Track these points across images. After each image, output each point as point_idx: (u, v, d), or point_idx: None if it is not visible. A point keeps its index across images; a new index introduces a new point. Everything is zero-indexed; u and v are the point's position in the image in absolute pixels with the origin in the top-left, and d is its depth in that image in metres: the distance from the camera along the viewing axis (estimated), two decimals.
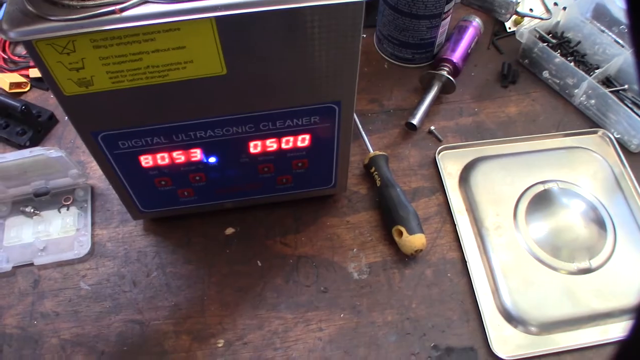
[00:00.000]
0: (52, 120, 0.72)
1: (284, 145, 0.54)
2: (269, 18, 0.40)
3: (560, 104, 0.74)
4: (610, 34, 0.77)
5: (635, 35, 0.22)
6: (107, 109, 0.46)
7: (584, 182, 0.67)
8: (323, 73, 0.47)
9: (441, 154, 0.69)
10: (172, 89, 0.45)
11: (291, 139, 0.53)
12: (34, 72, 0.75)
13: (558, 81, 0.74)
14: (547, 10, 0.78)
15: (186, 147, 0.52)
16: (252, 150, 0.54)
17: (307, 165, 0.57)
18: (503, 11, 0.70)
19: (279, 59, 0.44)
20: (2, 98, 0.68)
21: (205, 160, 0.54)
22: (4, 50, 0.78)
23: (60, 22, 0.38)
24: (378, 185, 0.64)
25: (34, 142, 0.70)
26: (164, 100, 0.46)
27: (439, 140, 0.70)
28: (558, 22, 0.78)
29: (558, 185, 0.66)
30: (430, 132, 0.71)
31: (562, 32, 0.78)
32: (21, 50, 0.80)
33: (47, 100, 0.74)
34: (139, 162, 0.53)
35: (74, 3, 0.39)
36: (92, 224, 0.64)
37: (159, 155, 0.52)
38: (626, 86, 0.73)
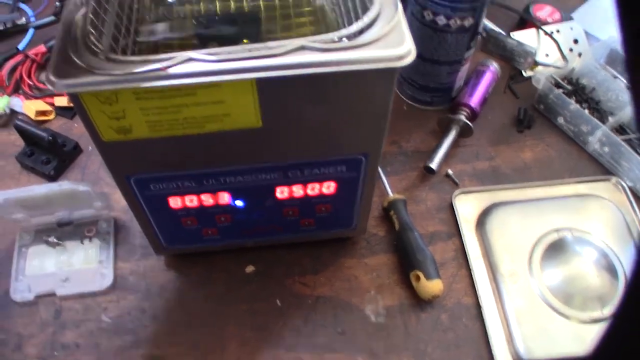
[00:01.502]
0: (77, 149, 0.73)
1: (309, 192, 0.55)
2: (307, 80, 0.42)
3: (574, 150, 0.76)
4: (623, 80, 0.79)
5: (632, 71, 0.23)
6: (143, 154, 0.48)
7: (596, 229, 0.68)
8: (354, 128, 0.48)
9: (457, 197, 0.70)
10: (207, 139, 0.46)
11: (317, 185, 0.55)
12: (60, 101, 0.77)
13: (572, 128, 0.76)
14: (563, 56, 0.79)
15: (215, 191, 0.53)
16: (278, 195, 0.55)
17: (331, 209, 0.58)
18: (522, 60, 0.72)
19: (312, 115, 0.46)
20: (30, 127, 0.69)
21: (232, 204, 0.55)
22: (29, 77, 0.80)
23: (107, 76, 0.39)
24: (397, 229, 0.65)
25: (58, 171, 0.71)
26: (198, 148, 0.48)
27: (456, 184, 0.71)
28: (573, 69, 0.80)
29: (572, 234, 0.67)
30: (447, 175, 0.72)
31: (577, 79, 0.79)
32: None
33: (71, 129, 0.76)
34: (167, 203, 0.54)
35: (120, 57, 0.40)
36: (115, 256, 0.65)
37: (187, 198, 0.54)
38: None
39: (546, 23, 0.83)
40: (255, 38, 0.53)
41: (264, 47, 0.40)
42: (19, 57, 0.80)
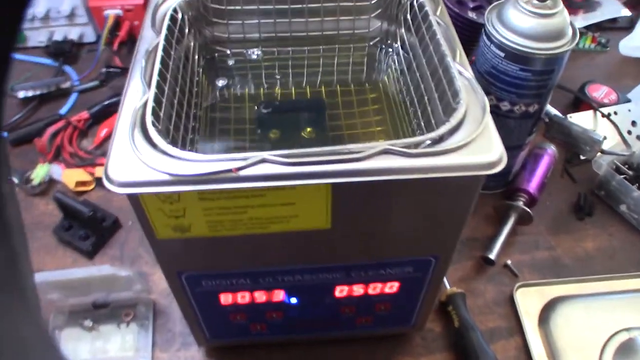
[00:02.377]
0: (116, 224, 0.70)
1: (370, 291, 0.51)
2: (388, 185, 0.38)
3: (637, 241, 0.71)
4: None
5: None
6: (198, 252, 0.44)
7: None
8: (428, 231, 0.44)
9: (519, 291, 0.66)
10: (270, 239, 0.43)
11: (379, 285, 0.51)
12: (100, 171, 0.74)
13: (636, 216, 0.72)
14: (625, 141, 0.76)
15: (269, 289, 0.49)
16: (337, 294, 0.51)
17: (391, 308, 0.54)
18: (588, 148, 0.68)
19: (387, 218, 0.42)
20: (70, 201, 0.67)
21: (286, 301, 0.51)
22: (70, 144, 0.78)
23: (171, 176, 0.36)
24: (456, 325, 0.60)
25: (96, 247, 0.68)
26: (258, 248, 0.44)
27: (515, 276, 0.67)
28: (634, 152, 0.76)
29: None
30: (505, 266, 0.68)
31: (639, 164, 0.76)
32: (87, 144, 0.79)
33: (110, 202, 0.73)
34: (218, 299, 0.50)
35: (186, 155, 0.37)
36: (153, 344, 0.61)
37: (240, 294, 0.50)
38: None
39: (603, 104, 0.80)
40: (321, 126, 0.51)
41: (344, 150, 0.37)
42: (60, 123, 0.78)
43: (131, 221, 0.71)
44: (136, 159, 0.37)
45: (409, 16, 0.50)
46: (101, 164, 0.75)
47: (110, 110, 0.81)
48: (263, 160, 0.36)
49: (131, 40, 0.90)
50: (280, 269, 0.47)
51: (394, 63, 0.54)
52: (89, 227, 0.68)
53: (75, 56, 0.90)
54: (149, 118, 0.38)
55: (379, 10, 0.52)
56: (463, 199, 0.41)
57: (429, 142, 0.39)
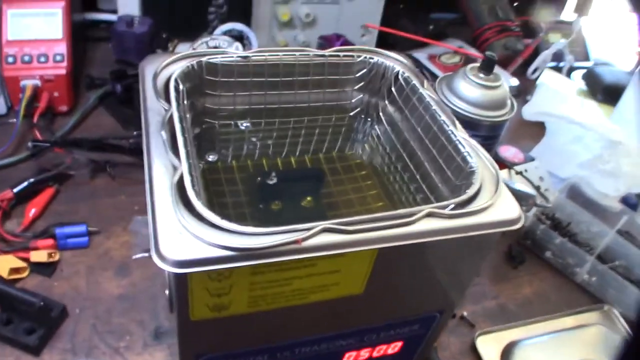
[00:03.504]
0: (63, 314, 0.63)
1: (375, 355, 0.52)
2: (423, 246, 0.40)
3: (565, 283, 0.80)
4: (588, 213, 0.86)
5: None
6: (226, 332, 0.42)
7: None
8: (444, 285, 0.47)
9: (479, 339, 0.70)
10: (302, 310, 0.42)
11: (384, 347, 0.51)
12: (37, 256, 0.67)
13: (560, 260, 0.81)
14: (540, 193, 0.85)
15: None
16: None
17: None
18: (524, 203, 0.76)
19: (414, 277, 0.44)
20: (15, 292, 0.59)
21: None
22: None
23: (232, 251, 0.35)
24: None
25: (43, 340, 0.60)
26: (288, 321, 0.43)
27: (472, 326, 0.71)
28: (550, 205, 0.86)
29: None
30: (462, 317, 0.72)
31: (553, 214, 0.86)
32: (13, 227, 0.71)
33: (50, 289, 0.66)
34: None
35: (241, 229, 0.36)
36: None
37: None
38: (617, 262, 0.81)
39: (514, 163, 0.90)
40: (317, 194, 0.52)
41: (393, 215, 0.39)
42: None
43: (78, 309, 0.64)
44: (188, 235, 0.35)
45: (393, 89, 0.54)
46: (35, 248, 0.68)
47: (37, 189, 0.74)
48: (325, 230, 0.36)
49: (50, 112, 0.84)
50: (298, 340, 0.46)
51: (375, 132, 0.57)
52: (33, 319, 0.61)
53: None
54: (190, 192, 0.37)
55: (362, 83, 0.55)
56: (482, 252, 0.45)
57: (452, 205, 0.41)
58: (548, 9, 1.28)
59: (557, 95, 0.97)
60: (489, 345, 0.70)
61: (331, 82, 0.54)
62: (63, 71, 0.81)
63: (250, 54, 0.50)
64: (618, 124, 0.91)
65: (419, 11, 1.19)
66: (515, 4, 1.25)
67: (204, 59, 0.49)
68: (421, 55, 1.10)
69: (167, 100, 0.44)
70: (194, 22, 0.86)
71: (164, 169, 0.39)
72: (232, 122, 0.53)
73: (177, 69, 0.47)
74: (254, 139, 0.54)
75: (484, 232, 0.40)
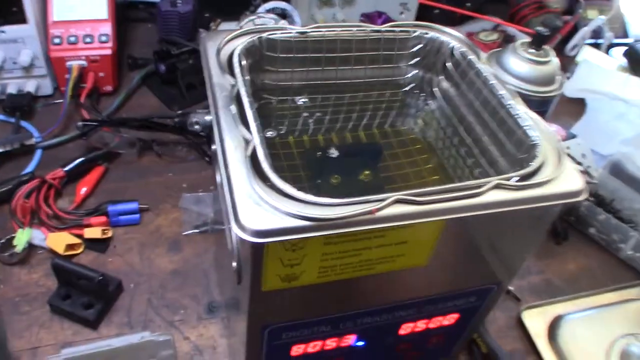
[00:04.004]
0: (119, 289, 0.65)
1: (431, 325, 0.52)
2: (491, 218, 0.40)
3: (610, 258, 0.79)
4: (631, 189, 0.85)
5: None
6: (293, 303, 0.43)
7: None
8: (506, 259, 0.47)
9: (525, 314, 0.70)
10: (367, 281, 0.43)
11: (441, 319, 0.52)
12: (91, 232, 0.69)
13: (605, 237, 0.80)
14: (587, 172, 0.85)
15: (344, 334, 0.49)
16: (401, 332, 0.52)
17: (443, 341, 0.55)
18: None
19: (477, 250, 0.45)
20: (74, 267, 0.61)
21: (353, 345, 0.51)
22: (47, 204, 0.71)
23: (310, 221, 0.35)
24: (484, 351, 0.63)
25: (100, 315, 0.62)
26: (353, 292, 0.44)
27: (518, 300, 0.72)
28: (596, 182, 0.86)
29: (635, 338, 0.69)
30: (508, 292, 0.72)
31: (597, 190, 0.85)
32: (65, 204, 0.73)
33: (104, 265, 0.68)
34: (288, 352, 0.49)
35: (316, 200, 0.36)
36: None
37: (312, 344, 0.49)
38: None
39: None
40: (374, 169, 0.52)
41: (462, 186, 0.39)
42: (33, 183, 0.72)
43: (133, 284, 0.66)
44: (266, 206, 0.36)
45: (448, 64, 0.54)
46: (88, 225, 0.69)
47: (87, 168, 0.75)
48: (397, 201, 0.37)
49: (96, 92, 0.85)
50: (360, 311, 0.47)
51: (429, 108, 0.57)
52: (91, 293, 0.62)
53: (30, 110, 0.83)
54: (265, 164, 0.38)
55: (417, 59, 0.55)
56: (543, 225, 0.45)
57: (517, 177, 0.42)
58: None
59: (600, 72, 0.96)
60: (535, 319, 0.70)
61: (386, 57, 0.54)
62: (109, 51, 0.82)
63: (309, 30, 0.51)
64: None
65: None
66: None
67: (264, 35, 0.50)
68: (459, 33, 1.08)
69: (232, 75, 0.45)
70: (236, 0, 0.86)
71: (236, 142, 0.40)
72: (289, 98, 0.54)
73: (239, 44, 0.48)
74: (309, 115, 0.55)
75: (550, 203, 0.41)
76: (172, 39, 0.81)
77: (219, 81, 0.45)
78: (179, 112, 0.84)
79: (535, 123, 0.46)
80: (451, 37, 0.54)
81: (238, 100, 0.43)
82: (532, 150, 0.44)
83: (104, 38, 0.82)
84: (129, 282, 0.66)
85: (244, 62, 0.47)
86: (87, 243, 0.69)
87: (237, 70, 0.45)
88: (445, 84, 0.55)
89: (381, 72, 0.55)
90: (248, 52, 0.48)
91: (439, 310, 0.51)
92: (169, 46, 0.83)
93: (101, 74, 0.83)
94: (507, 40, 1.07)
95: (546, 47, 0.65)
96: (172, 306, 0.65)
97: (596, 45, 1.18)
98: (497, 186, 0.40)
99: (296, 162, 0.53)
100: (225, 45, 0.48)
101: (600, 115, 0.95)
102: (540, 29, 0.64)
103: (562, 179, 0.42)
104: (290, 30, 0.50)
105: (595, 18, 1.14)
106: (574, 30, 1.14)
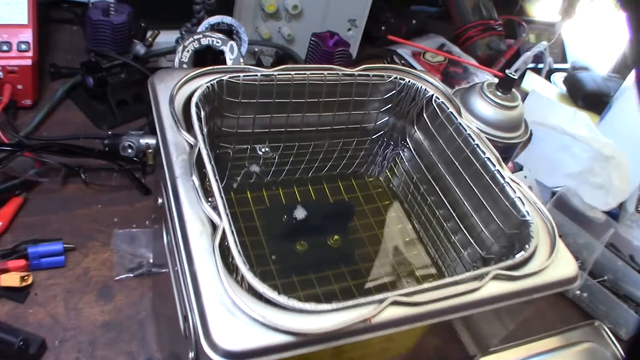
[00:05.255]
0: (42, 348, 0.56)
1: None
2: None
3: (559, 299, 0.79)
4: (575, 224, 0.86)
5: None
6: None
7: None
8: (486, 332, 0.44)
9: None
10: None
11: None
12: (7, 280, 0.59)
13: None
14: None
15: None
16: None
17: None
18: None
19: (458, 331, 0.41)
20: None
21: None
22: None
23: (297, 336, 0.30)
24: None
25: None
26: None
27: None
28: None
29: None
30: None
31: None
32: None
33: (24, 317, 0.58)
34: None
35: (305, 306, 0.31)
36: None
37: None
38: (605, 277, 0.81)
39: None
40: (343, 232, 0.47)
41: (460, 280, 0.35)
42: None
43: (58, 341, 0.58)
44: (243, 317, 0.30)
45: (424, 114, 0.50)
46: (5, 270, 0.60)
47: (1, 199, 0.65)
48: (393, 303, 0.32)
49: (13, 106, 0.74)
50: None
51: (398, 158, 0.53)
52: (9, 358, 0.53)
53: None
54: (238, 258, 0.32)
55: (389, 105, 0.50)
56: (531, 305, 0.42)
57: (511, 263, 0.38)
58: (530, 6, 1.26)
59: (548, 104, 0.96)
60: None
61: (358, 103, 0.49)
62: (29, 61, 0.72)
63: (275, 72, 0.45)
64: (606, 135, 0.90)
65: (401, 4, 1.15)
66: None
67: (225, 77, 0.43)
68: (405, 51, 1.06)
69: (188, 129, 0.38)
70: (175, 9, 0.78)
71: (200, 225, 0.33)
72: (249, 147, 0.48)
73: (196, 90, 0.41)
74: (269, 165, 0.49)
75: (547, 292, 0.37)
76: (103, 51, 0.72)
77: (174, 139, 0.38)
78: (109, 132, 0.75)
79: (524, 195, 0.42)
80: (429, 85, 0.50)
81: (199, 165, 0.36)
82: (522, 227, 0.41)
83: (23, 46, 0.71)
84: (54, 338, 0.58)
85: (202, 114, 0.40)
86: (3, 291, 0.59)
87: (196, 125, 0.38)
88: (420, 136, 0.51)
89: (350, 118, 0.50)
90: (206, 99, 0.42)
91: None
92: (98, 58, 0.74)
93: (19, 87, 0.73)
94: (453, 62, 1.05)
95: (514, 90, 0.62)
96: None
97: (537, 70, 1.19)
98: (496, 277, 0.36)
99: (255, 223, 0.47)
100: (179, 90, 0.41)
101: (545, 146, 0.95)
102: (509, 72, 0.61)
103: (557, 264, 0.39)
104: (255, 73, 0.44)
105: (539, 43, 1.14)
106: (517, 54, 1.15)
